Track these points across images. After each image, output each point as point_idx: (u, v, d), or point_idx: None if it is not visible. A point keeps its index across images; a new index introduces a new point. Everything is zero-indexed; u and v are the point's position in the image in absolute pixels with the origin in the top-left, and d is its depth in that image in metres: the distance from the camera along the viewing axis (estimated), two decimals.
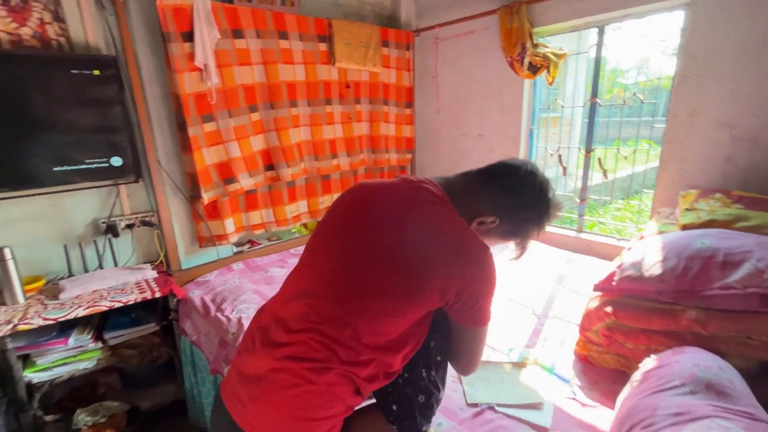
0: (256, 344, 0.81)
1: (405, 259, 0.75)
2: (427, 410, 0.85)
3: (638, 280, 1.15)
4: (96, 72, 1.63)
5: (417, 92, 2.81)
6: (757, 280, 0.99)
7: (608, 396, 1.07)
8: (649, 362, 0.99)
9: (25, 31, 1.56)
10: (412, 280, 0.75)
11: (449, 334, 0.88)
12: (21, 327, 1.38)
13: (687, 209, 1.42)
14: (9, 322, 1.39)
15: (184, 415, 1.86)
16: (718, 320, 1.00)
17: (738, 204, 1.37)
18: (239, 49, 1.89)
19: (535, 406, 1.04)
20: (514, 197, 0.81)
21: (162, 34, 1.66)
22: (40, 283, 1.66)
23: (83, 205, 1.80)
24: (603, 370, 1.19)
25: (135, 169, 1.79)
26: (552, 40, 2.22)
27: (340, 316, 0.75)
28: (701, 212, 1.35)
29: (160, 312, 1.83)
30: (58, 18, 1.62)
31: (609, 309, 1.17)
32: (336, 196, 2.52)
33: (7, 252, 1.48)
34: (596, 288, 1.24)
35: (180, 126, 1.82)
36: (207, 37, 1.74)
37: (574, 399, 1.08)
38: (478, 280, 0.77)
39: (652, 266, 1.14)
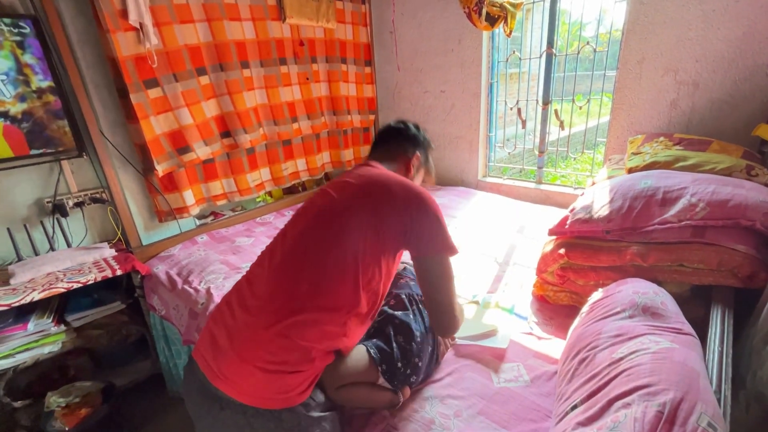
0: (237, 311, 0.86)
1: (366, 196, 0.94)
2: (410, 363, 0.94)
3: (588, 222, 1.22)
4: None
5: (376, 49, 2.72)
6: (690, 213, 1.08)
7: (562, 329, 1.17)
8: (596, 295, 1.08)
9: None
10: (373, 208, 0.91)
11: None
12: None
13: (633, 153, 1.50)
14: None
15: (162, 388, 1.87)
16: (656, 252, 1.09)
17: (678, 146, 1.46)
18: (178, 5, 1.74)
19: (490, 334, 1.13)
20: (414, 139, 1.17)
21: None
22: None
23: (23, 184, 1.67)
24: (557, 306, 1.29)
25: (76, 143, 1.67)
26: None
27: (317, 261, 0.86)
28: (645, 155, 1.43)
29: (124, 290, 1.79)
30: None
31: (562, 251, 1.25)
32: (300, 161, 2.48)
33: None
34: (551, 232, 1.31)
35: (121, 93, 1.69)
36: None
37: (530, 333, 1.17)
38: (424, 208, 0.92)
39: (601, 208, 1.22)
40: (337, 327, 0.83)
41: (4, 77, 1.49)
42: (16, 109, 1.53)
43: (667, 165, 1.35)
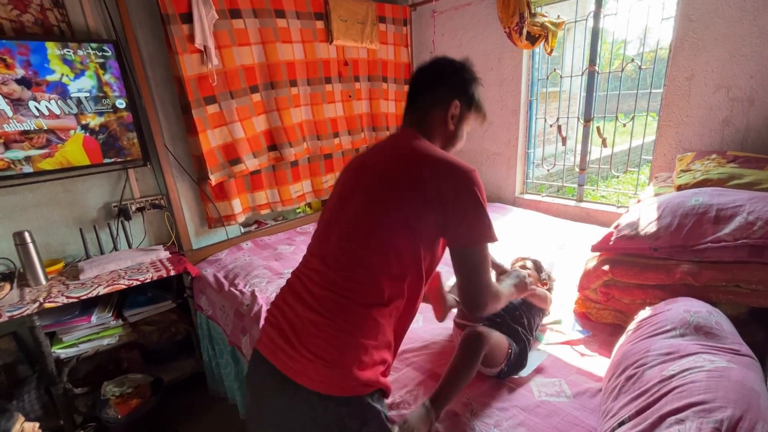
0: (298, 307, 0.85)
1: (400, 180, 0.85)
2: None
3: (634, 239, 1.19)
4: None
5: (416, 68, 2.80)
6: (747, 232, 1.03)
7: (605, 347, 1.14)
8: (643, 313, 1.05)
9: (27, 18, 1.58)
10: (407, 192, 0.83)
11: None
12: (47, 305, 1.45)
13: (682, 170, 1.46)
14: (35, 300, 1.46)
15: (203, 386, 1.95)
16: (709, 271, 1.05)
17: (732, 164, 1.41)
18: (237, 30, 1.90)
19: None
20: (450, 79, 0.96)
21: (161, 15, 1.67)
22: (60, 266, 1.73)
23: (94, 189, 1.85)
24: (600, 324, 1.26)
25: (143, 153, 1.83)
26: (551, 11, 2.21)
27: (356, 254, 0.83)
28: (696, 173, 1.39)
29: (175, 290, 1.91)
30: (58, 4, 1.63)
31: (606, 267, 1.22)
32: (338, 174, 2.56)
33: (27, 236, 1.53)
34: (594, 248, 1.29)
35: (184, 109, 1.85)
36: (205, 18, 1.75)
37: (567, 343, 1.15)
38: (466, 192, 0.82)
39: (648, 225, 1.19)
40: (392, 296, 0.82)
41: (87, 94, 1.68)
42: (95, 122, 1.72)
43: (720, 183, 1.30)
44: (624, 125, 2.13)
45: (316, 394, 0.75)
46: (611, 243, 1.24)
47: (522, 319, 1.15)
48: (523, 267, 1.35)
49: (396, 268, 0.82)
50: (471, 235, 0.82)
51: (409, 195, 0.82)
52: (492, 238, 0.84)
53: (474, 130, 2.65)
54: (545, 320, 1.28)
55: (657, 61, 2.02)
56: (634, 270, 1.17)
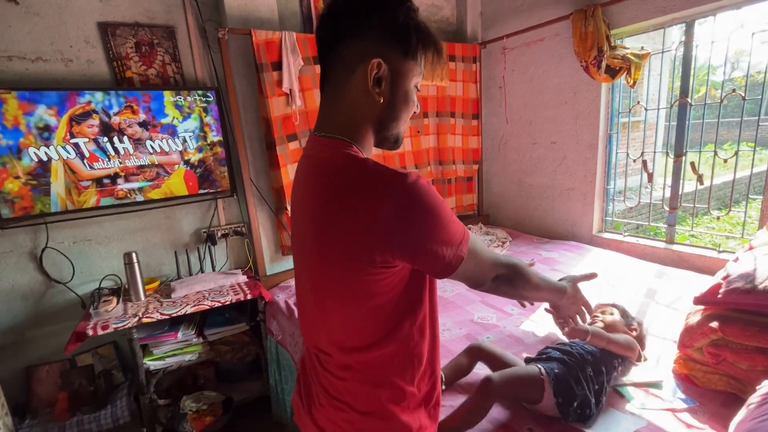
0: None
1: (322, 231, 0.65)
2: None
3: (750, 294, 1.04)
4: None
5: (484, 102, 2.81)
6: None
7: (717, 420, 0.98)
8: None
9: (151, 72, 1.87)
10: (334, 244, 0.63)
11: None
12: (144, 320, 1.62)
13: None
14: (135, 315, 1.63)
15: (268, 410, 2.01)
16: None
17: None
18: (319, 74, 2.06)
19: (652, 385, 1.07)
20: (354, 29, 0.62)
21: (255, 65, 1.88)
22: (156, 284, 1.93)
23: (189, 216, 2.07)
24: (710, 392, 1.09)
25: (231, 185, 2.03)
26: (629, 40, 2.11)
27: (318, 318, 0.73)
28: None
29: (249, 313, 2.02)
30: (175, 59, 1.92)
31: (715, 324, 1.07)
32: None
33: (134, 256, 1.75)
34: (697, 301, 1.14)
35: (268, 145, 2.03)
36: (293, 64, 1.93)
37: (670, 410, 1.00)
38: (403, 213, 0.57)
39: None
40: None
41: (191, 134, 1.92)
42: (195, 157, 1.95)
43: None
44: (725, 161, 1.91)
45: None
46: (719, 296, 1.09)
47: (586, 355, 1.10)
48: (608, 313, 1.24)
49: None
50: (442, 260, 0.62)
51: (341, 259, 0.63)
52: (464, 245, 0.63)
53: (546, 164, 2.57)
54: (641, 378, 1.14)
55: (757, 87, 1.81)
56: (752, 330, 1.01)
